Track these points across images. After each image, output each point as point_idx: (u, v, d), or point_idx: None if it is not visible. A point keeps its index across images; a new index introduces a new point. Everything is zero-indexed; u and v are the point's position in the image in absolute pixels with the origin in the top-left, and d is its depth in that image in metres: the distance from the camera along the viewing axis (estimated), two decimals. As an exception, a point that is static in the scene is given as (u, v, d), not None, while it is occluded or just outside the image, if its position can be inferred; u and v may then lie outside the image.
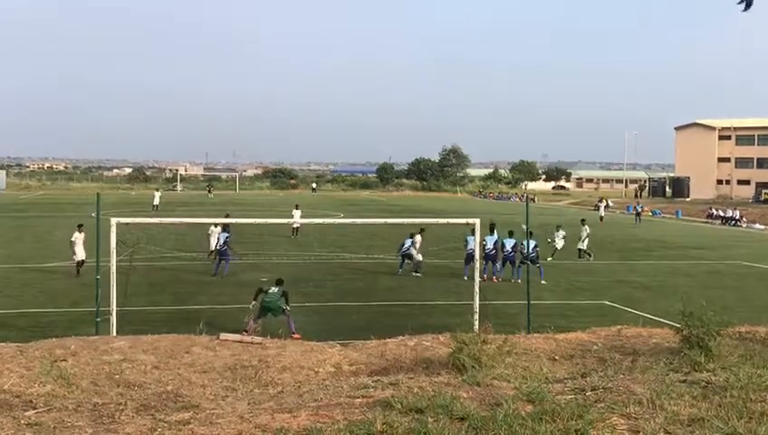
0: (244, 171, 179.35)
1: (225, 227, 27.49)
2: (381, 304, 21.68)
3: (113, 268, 15.17)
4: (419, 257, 27.80)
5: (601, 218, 59.73)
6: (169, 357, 11.93)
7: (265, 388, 10.57)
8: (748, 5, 3.05)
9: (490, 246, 26.69)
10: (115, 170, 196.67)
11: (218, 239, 27.36)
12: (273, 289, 17.33)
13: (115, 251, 15.27)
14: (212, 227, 29.51)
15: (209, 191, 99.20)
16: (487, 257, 26.39)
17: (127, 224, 17.01)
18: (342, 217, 44.32)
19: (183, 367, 11.49)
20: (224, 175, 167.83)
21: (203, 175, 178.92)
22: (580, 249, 33.85)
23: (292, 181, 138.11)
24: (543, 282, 25.34)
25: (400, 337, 13.84)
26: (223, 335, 13.40)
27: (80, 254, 25.97)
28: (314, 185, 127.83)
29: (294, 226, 37.94)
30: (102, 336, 13.90)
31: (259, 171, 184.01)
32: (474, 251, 24.46)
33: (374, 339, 14.00)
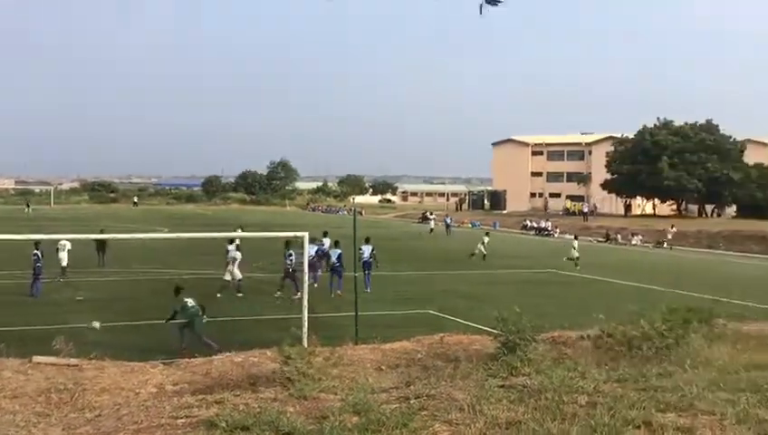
0: (60, 184, 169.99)
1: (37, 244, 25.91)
2: (207, 320, 21.13)
3: None
4: (239, 275, 26.19)
5: (431, 230, 62.25)
6: (-26, 384, 11.06)
7: (82, 412, 10.02)
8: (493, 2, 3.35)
9: (334, 259, 26.55)
10: None
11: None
12: (190, 301, 16.99)
13: None
14: (61, 242, 28.08)
15: (27, 205, 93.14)
16: (333, 271, 26.34)
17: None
18: (167, 232, 42.97)
19: (-10, 394, 10.68)
20: (37, 189, 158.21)
21: (13, 189, 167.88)
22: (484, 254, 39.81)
23: (112, 195, 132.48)
24: (368, 290, 25.80)
25: (226, 354, 13.57)
26: (36, 358, 12.59)
27: None
28: (136, 199, 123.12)
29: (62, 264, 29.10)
30: None
31: (76, 184, 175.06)
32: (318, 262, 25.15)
33: (199, 357, 13.65)
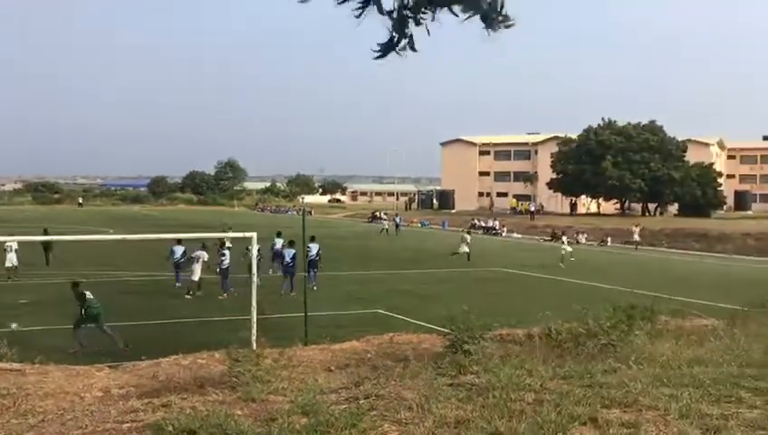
0: (3, 185, 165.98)
1: None
2: (155, 322, 20.89)
3: None
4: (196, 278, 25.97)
5: (386, 230, 62.58)
6: None
7: (24, 417, 9.78)
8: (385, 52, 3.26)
9: (288, 259, 26.60)
10: None
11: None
12: (89, 294, 16.94)
13: None
14: (8, 243, 27.91)
15: None
16: (286, 271, 26.44)
17: None
18: (112, 233, 42.27)
19: (-74, 402, 10.37)
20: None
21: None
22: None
23: (57, 196, 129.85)
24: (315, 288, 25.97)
25: (174, 356, 13.40)
26: (-26, 364, 12.28)
27: None
28: (81, 199, 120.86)
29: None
30: None
31: (19, 185, 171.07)
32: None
33: (146, 360, 13.46)
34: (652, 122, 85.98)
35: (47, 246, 32.62)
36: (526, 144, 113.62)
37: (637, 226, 57.76)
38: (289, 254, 26.76)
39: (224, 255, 25.85)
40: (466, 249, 39.98)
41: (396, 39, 3.29)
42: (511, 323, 15.67)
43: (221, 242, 26.78)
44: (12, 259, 28.38)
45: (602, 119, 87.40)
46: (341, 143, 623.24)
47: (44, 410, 10.26)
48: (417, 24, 3.23)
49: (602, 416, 6.68)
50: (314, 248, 27.22)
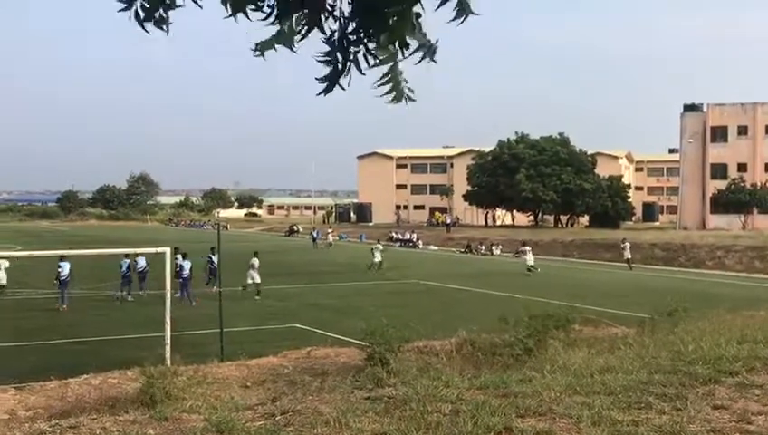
0: None
1: None
2: (63, 341, 20.21)
3: None
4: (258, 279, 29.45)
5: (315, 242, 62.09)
6: None
7: None
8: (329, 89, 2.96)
9: (187, 271, 28.08)
10: None
11: None
12: None
13: None
14: None
15: None
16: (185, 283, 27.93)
17: None
18: (19, 250, 40.73)
19: None
20: None
21: None
22: None
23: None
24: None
25: (84, 376, 12.99)
26: None
27: None
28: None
29: None
30: None
31: None
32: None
33: (54, 380, 13.00)
34: (561, 135, 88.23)
35: None
36: (442, 157, 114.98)
37: (624, 240, 51.03)
38: (187, 265, 28.19)
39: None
40: (379, 258, 41.47)
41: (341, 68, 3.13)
42: (428, 334, 15.80)
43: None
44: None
45: (515, 132, 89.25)
46: (257, 156, 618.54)
47: (-56, 435, 9.80)
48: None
49: (517, 425, 6.77)
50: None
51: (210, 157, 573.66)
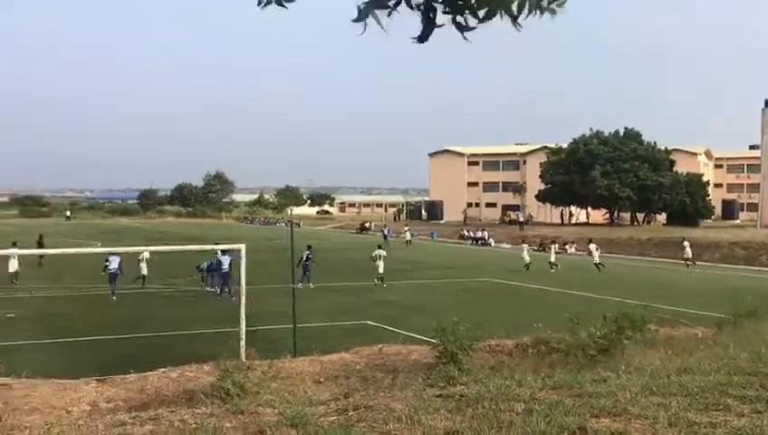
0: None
1: None
2: (143, 335, 20.78)
3: None
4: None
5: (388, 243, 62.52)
6: None
7: (11, 433, 9.71)
8: (422, 40, 3.31)
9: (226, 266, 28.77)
10: None
11: None
12: None
13: None
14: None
15: None
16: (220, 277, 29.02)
17: None
18: (100, 246, 42.03)
19: None
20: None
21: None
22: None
23: (44, 209, 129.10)
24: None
25: (162, 370, 13.31)
26: (-39, 379, 12.17)
27: None
28: (68, 212, 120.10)
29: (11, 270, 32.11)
30: None
31: (6, 199, 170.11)
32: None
33: (134, 373, 13.37)
34: (637, 132, 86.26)
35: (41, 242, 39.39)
36: (515, 154, 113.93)
37: (685, 240, 51.09)
38: (226, 261, 28.67)
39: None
40: (528, 260, 42.52)
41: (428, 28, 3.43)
42: (500, 333, 15.69)
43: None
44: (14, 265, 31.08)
45: (590, 129, 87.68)
46: (330, 154, 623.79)
47: (31, 425, 10.18)
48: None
49: (591, 425, 6.67)
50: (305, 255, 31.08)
51: (284, 155, 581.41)
